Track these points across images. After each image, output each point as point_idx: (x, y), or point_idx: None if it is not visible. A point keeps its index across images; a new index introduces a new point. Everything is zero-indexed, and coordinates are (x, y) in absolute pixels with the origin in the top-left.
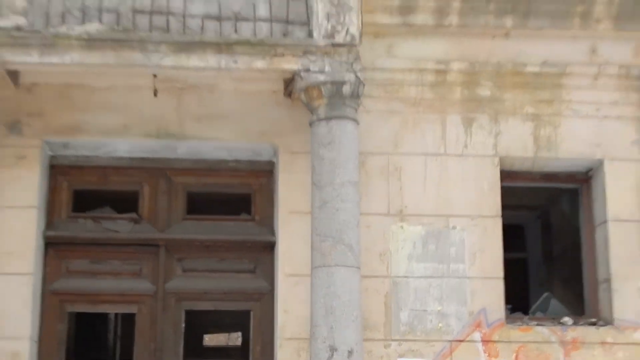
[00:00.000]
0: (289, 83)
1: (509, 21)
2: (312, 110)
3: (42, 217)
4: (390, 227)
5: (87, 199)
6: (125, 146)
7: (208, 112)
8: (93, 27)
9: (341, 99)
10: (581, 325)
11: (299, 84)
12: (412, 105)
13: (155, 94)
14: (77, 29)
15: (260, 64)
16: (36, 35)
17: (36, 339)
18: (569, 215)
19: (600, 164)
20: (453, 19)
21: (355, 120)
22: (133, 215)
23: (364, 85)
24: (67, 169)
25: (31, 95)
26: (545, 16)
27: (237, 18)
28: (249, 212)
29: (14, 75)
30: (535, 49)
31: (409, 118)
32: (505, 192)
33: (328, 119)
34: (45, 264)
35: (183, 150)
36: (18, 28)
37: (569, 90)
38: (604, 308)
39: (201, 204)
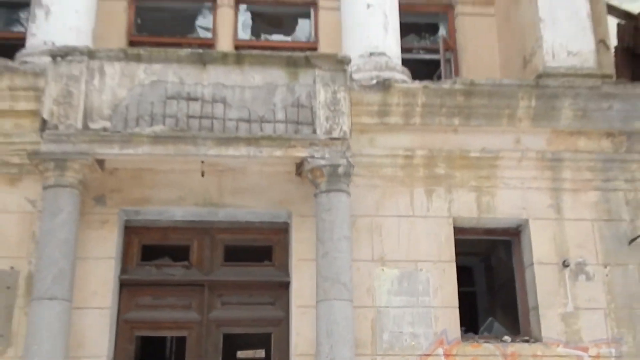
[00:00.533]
0: (299, 166)
1: (456, 121)
2: (316, 185)
3: (118, 265)
4: (374, 270)
5: (152, 251)
6: (180, 212)
7: (240, 187)
8: (158, 128)
9: (337, 177)
10: (517, 342)
11: (306, 167)
12: (388, 181)
13: (202, 175)
14: (147, 130)
15: (278, 152)
16: (117, 134)
17: (112, 356)
18: (505, 260)
19: (526, 222)
20: (416, 120)
21: (348, 193)
22: (185, 263)
23: (353, 167)
24: (138, 229)
25: (112, 176)
26: (482, 117)
27: (262, 120)
28: (270, 259)
29: (100, 162)
30: (476, 140)
31: (386, 190)
32: (458, 243)
33: (328, 191)
34: (120, 300)
35: (222, 215)
36: (105, 129)
37: (501, 169)
38: (534, 329)
39: (235, 254)
